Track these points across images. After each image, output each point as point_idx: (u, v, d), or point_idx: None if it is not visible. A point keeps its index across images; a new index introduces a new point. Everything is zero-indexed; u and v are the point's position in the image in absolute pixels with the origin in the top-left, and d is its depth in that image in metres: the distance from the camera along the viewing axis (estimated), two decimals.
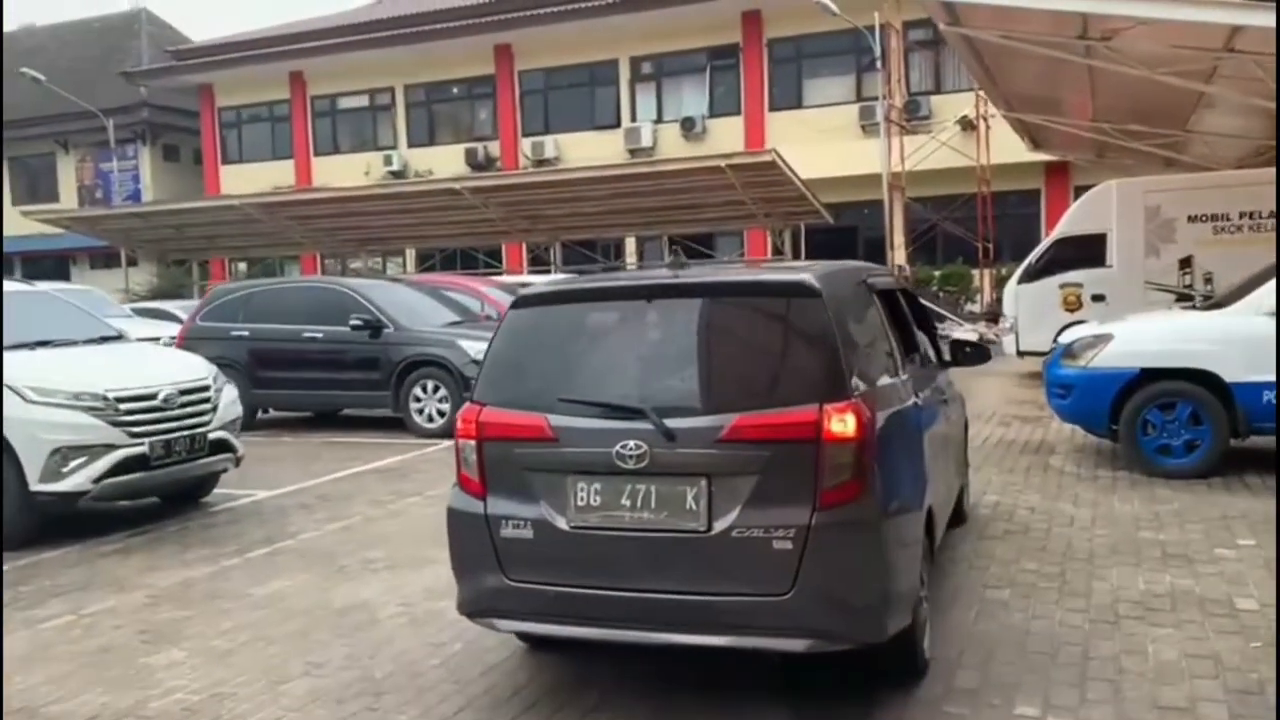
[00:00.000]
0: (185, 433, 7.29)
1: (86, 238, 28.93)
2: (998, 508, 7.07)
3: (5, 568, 6.41)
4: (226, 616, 5.34)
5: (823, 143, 24.95)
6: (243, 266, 31.27)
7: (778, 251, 24.39)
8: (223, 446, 7.64)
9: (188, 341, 12.62)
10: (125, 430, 6.93)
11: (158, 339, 13.56)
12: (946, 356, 6.16)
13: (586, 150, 27.12)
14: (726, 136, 26.36)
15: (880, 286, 4.89)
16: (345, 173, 29.11)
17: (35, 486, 6.66)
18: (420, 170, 29.24)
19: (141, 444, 7.00)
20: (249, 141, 32.42)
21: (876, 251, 24.76)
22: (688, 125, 27.36)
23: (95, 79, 32.91)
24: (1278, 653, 4.28)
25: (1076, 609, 4.99)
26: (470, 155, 29.19)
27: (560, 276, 8.92)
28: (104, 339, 7.99)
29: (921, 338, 5.74)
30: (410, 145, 30.40)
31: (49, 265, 34.40)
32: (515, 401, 3.99)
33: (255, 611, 5.41)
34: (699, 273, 4.10)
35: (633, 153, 27.14)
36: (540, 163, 28.27)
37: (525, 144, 28.99)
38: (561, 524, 3.83)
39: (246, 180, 30.03)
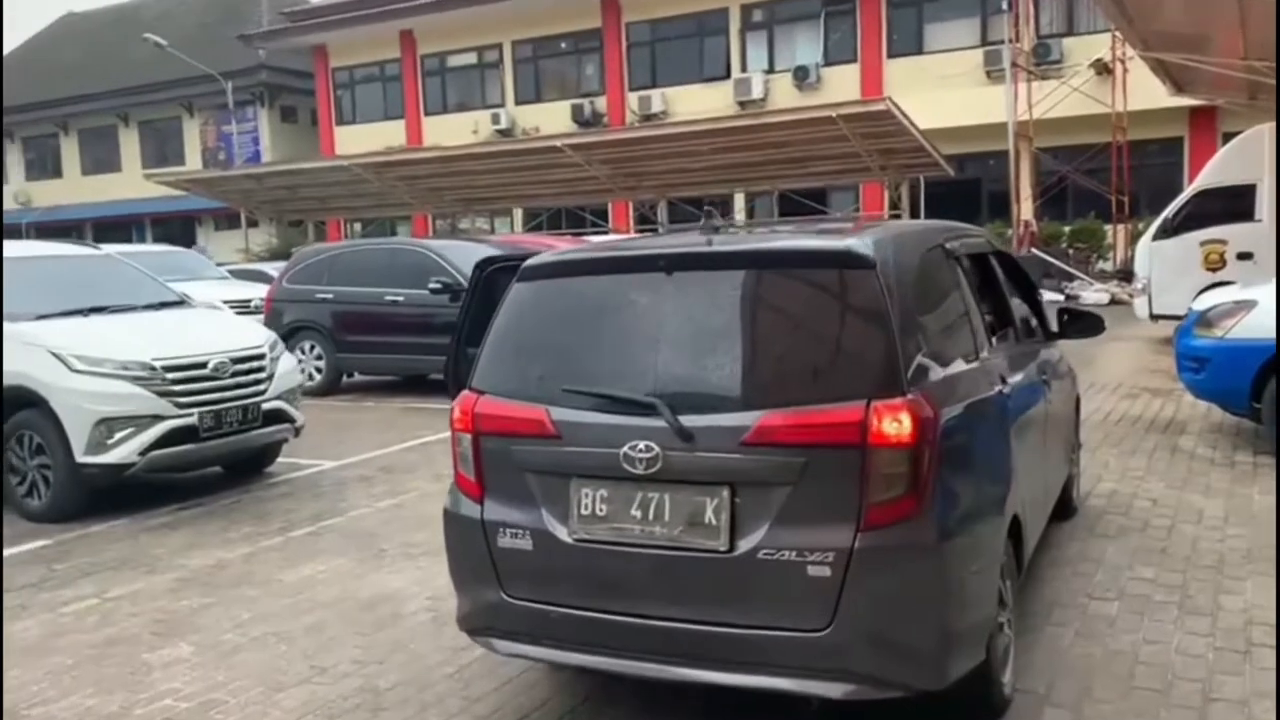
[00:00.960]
0: (237, 403, 7.01)
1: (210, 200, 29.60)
2: (1114, 498, 6.22)
3: (51, 540, 6.26)
4: (247, 605, 5.00)
5: (944, 90, 23.57)
6: (358, 227, 31.66)
7: (894, 206, 23.22)
8: (278, 417, 7.35)
9: (275, 304, 12.54)
10: (173, 401, 6.68)
11: (249, 302, 13.57)
12: (1053, 327, 5.36)
13: (694, 104, 26.31)
14: (842, 86, 25.17)
15: (966, 251, 4.15)
16: (455, 132, 29.00)
17: (81, 458, 6.47)
18: (527, 128, 28.92)
19: (190, 415, 6.74)
20: (362, 102, 32.62)
21: (1001, 206, 23.40)
22: (800, 75, 26.23)
23: (218, 42, 33.53)
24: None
25: (1199, 632, 4.21)
26: (576, 112, 28.70)
27: (602, 240, 8.29)
28: (164, 304, 7.77)
29: (1020, 308, 4.97)
30: (517, 103, 30.07)
31: (176, 226, 35.48)
32: (517, 390, 3.44)
33: (278, 600, 5.06)
34: (733, 239, 3.46)
35: (742, 105, 26.19)
36: (647, 118, 27.56)
37: (632, 99, 28.32)
38: (563, 535, 3.28)
39: (360, 141, 30.22)
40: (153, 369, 6.64)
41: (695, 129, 21.19)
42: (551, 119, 28.47)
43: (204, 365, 6.86)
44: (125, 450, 6.53)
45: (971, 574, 3.19)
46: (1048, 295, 21.38)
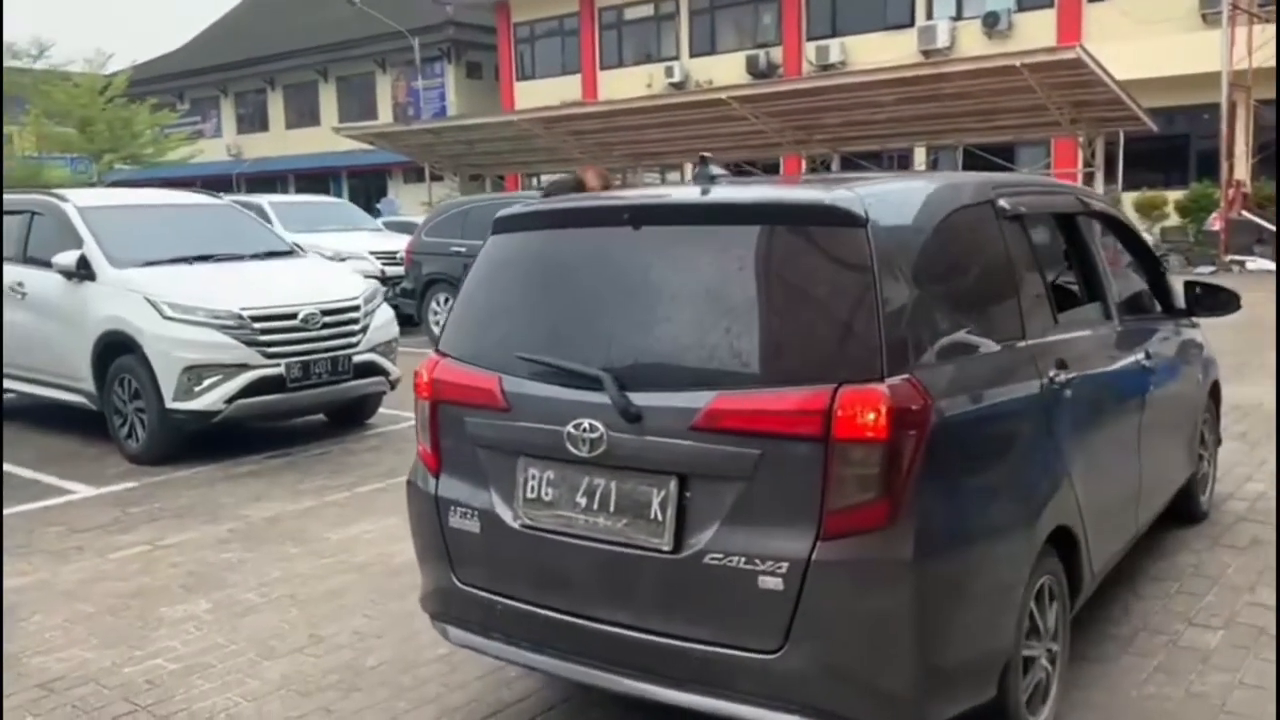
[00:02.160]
0: (326, 355, 7.00)
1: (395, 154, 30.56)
2: (1258, 503, 5.34)
3: (137, 483, 6.42)
4: (282, 563, 4.93)
5: (1151, 37, 21.46)
6: (537, 180, 32.02)
7: (1088, 164, 21.44)
8: (370, 370, 7.31)
9: (415, 256, 12.68)
10: (260, 350, 6.71)
11: (395, 254, 13.79)
12: (1180, 303, 4.58)
13: (875, 53, 25.03)
14: (1036, 33, 23.32)
15: (1035, 210, 3.50)
16: (629, 86, 28.77)
17: (170, 404, 6.60)
18: (700, 81, 28.35)
19: (277, 365, 6.77)
20: (540, 57, 32.84)
21: (1210, 164, 21.24)
22: (990, 21, 24.52)
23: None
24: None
25: None
26: (751, 63, 27.91)
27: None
28: (271, 254, 7.85)
29: (1129, 279, 4.24)
30: (692, 55, 29.51)
31: (370, 178, 36.92)
32: (475, 355, 3.11)
33: (314, 560, 4.96)
34: (720, 192, 2.98)
35: (926, 54, 24.72)
36: (824, 68, 26.46)
37: (809, 49, 27.27)
38: (509, 520, 2.94)
39: (538, 96, 30.44)
40: (241, 318, 6.69)
41: (867, 79, 20.12)
42: (726, 71, 27.80)
43: (293, 316, 6.87)
44: (211, 398, 6.62)
45: (969, 599, 2.64)
46: (1260, 264, 19.33)
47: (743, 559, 2.55)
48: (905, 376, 2.50)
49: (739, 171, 26.25)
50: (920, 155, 25.80)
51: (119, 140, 28.14)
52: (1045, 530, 2.94)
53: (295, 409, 7.29)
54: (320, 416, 7.87)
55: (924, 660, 2.52)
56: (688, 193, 3.01)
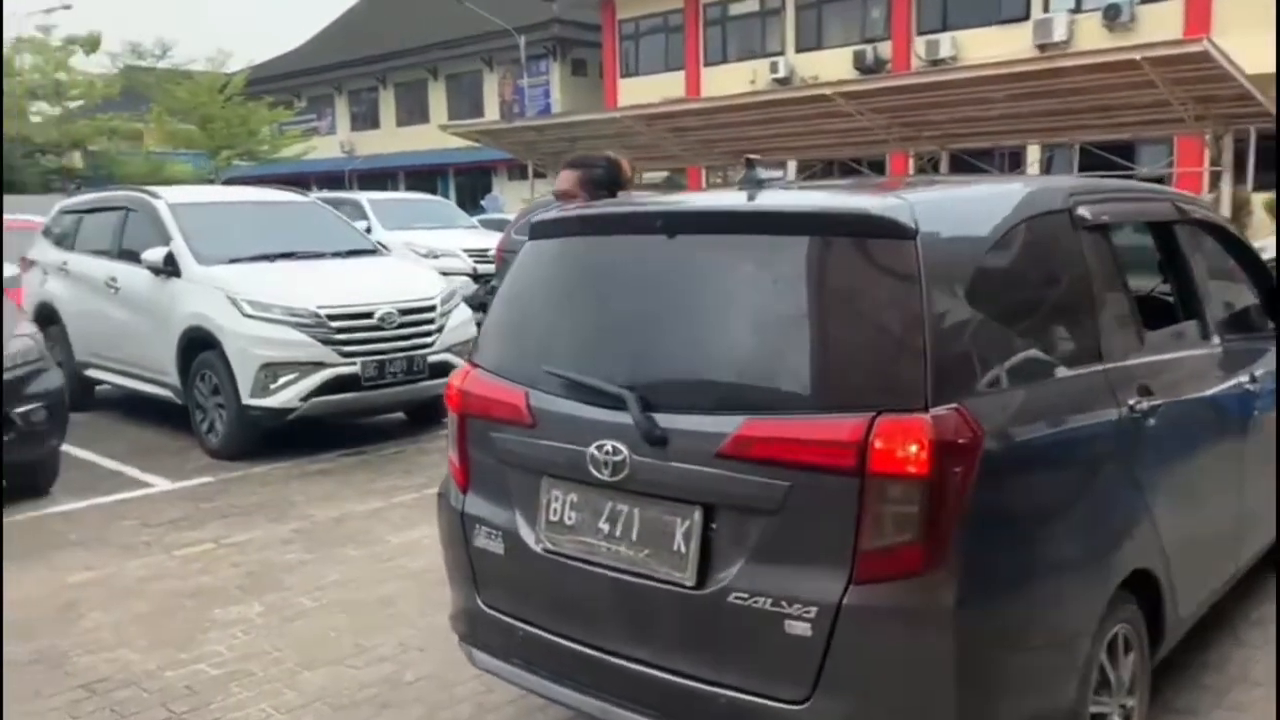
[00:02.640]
0: (402, 354, 6.98)
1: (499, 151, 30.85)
2: None
3: (213, 478, 6.50)
4: (340, 566, 4.89)
5: None
6: (651, 176, 31.92)
7: (1214, 162, 20.30)
8: (446, 369, 7.23)
9: (505, 254, 12.66)
10: (336, 349, 6.73)
11: (486, 251, 13.83)
12: None
13: (988, 48, 24.18)
14: (1160, 25, 22.21)
15: (1123, 218, 3.20)
16: (732, 82, 28.46)
17: (247, 400, 6.67)
18: (805, 77, 27.85)
19: (353, 364, 6.78)
20: (645, 53, 32.73)
21: None
22: (1112, 14, 23.44)
23: None
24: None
25: None
26: (859, 59, 27.29)
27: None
28: (353, 253, 7.89)
29: (1239, 295, 3.88)
30: (798, 50, 29.03)
31: (476, 175, 37.39)
32: (505, 367, 2.96)
33: (371, 565, 4.91)
34: (761, 198, 2.76)
35: (1042, 48, 23.79)
36: (934, 63, 25.70)
37: (919, 43, 26.53)
38: (532, 543, 2.79)
39: (641, 93, 30.33)
40: (318, 316, 6.71)
41: (978, 74, 19.42)
42: (832, 66, 27.23)
43: (369, 315, 6.87)
44: (287, 395, 6.66)
45: (1023, 651, 2.38)
46: None
47: (769, 600, 2.34)
48: (954, 406, 2.26)
49: (846, 171, 25.82)
50: (1034, 153, 24.86)
51: (236, 137, 29.07)
52: (1119, 574, 2.66)
53: (370, 408, 7.30)
54: (399, 414, 7.87)
55: (963, 717, 2.27)
56: (726, 199, 2.82)
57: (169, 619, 4.31)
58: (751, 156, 2.93)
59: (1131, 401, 2.80)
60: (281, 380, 6.64)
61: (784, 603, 2.32)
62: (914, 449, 2.21)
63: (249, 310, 6.68)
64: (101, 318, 7.88)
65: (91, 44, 25.82)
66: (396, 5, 40.66)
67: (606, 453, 2.56)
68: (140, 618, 4.34)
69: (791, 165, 28.48)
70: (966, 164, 23.70)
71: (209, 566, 4.94)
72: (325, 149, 39.50)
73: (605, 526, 2.63)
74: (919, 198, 2.52)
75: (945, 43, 25.84)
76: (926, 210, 2.43)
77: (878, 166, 26.17)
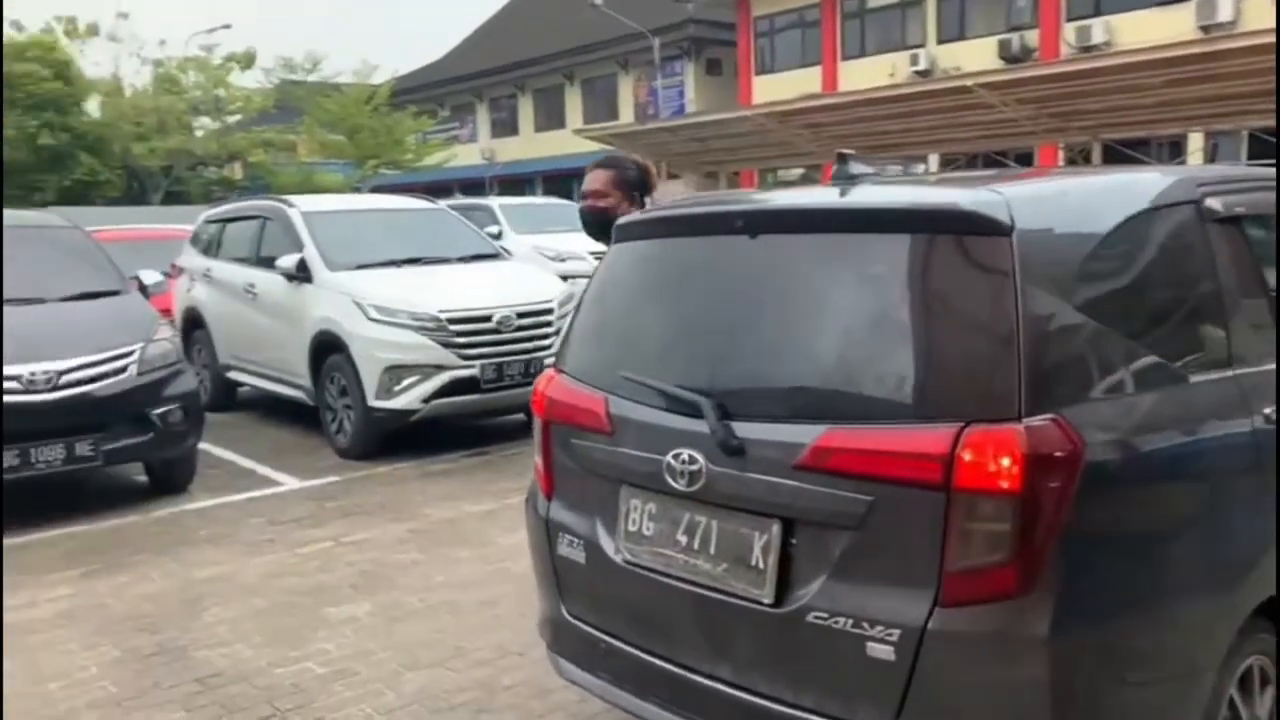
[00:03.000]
0: (520, 357, 7.05)
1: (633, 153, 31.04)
2: None
3: (340, 478, 6.69)
4: (449, 567, 4.95)
5: None
6: (787, 174, 31.62)
7: None
8: None
9: None
10: (456, 352, 6.84)
11: (602, 254, 13.83)
12: None
13: (1145, 31, 22.91)
14: None
15: (1251, 210, 2.89)
16: (871, 76, 27.82)
17: (371, 402, 6.83)
18: (947, 68, 27.03)
19: (473, 366, 6.87)
20: (780, 50, 32.39)
21: None
22: None
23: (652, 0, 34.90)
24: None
25: None
26: (1004, 48, 26.30)
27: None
28: (476, 257, 8.00)
29: None
30: (939, 41, 28.17)
31: None
32: (587, 372, 2.91)
33: (478, 566, 4.95)
34: (850, 195, 2.61)
35: (1205, 30, 22.42)
36: (1086, 49, 24.55)
37: (1069, 30, 25.38)
38: (611, 553, 2.72)
39: (776, 90, 30.03)
40: (439, 320, 6.83)
41: (1130, 59, 18.44)
42: (975, 57, 26.33)
43: (488, 319, 6.95)
44: (409, 397, 6.80)
45: (1131, 686, 2.18)
46: None
47: (850, 620, 2.21)
48: (1051, 416, 2.08)
49: (990, 164, 24.96)
50: (1195, 141, 23.47)
51: (381, 146, 30.11)
52: (1252, 602, 2.40)
53: (489, 410, 7.39)
54: (519, 416, 7.94)
55: None
56: (812, 196, 2.68)
57: (284, 616, 4.43)
58: (844, 151, 2.78)
59: (1267, 411, 2.53)
60: (404, 383, 6.79)
61: (865, 624, 2.18)
62: (1005, 462, 2.04)
63: (374, 315, 6.85)
64: (241, 322, 8.23)
65: (247, 60, 27.21)
66: (534, 12, 41.42)
67: (683, 462, 2.47)
68: (258, 614, 4.47)
69: (933, 159, 27.72)
70: (1121, 154, 22.55)
71: (326, 565, 5.06)
72: (467, 156, 40.52)
73: (683, 538, 2.53)
74: (1018, 191, 2.34)
75: (1098, 28, 24.65)
76: (1024, 204, 2.25)
77: (1026, 159, 25.22)
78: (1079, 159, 23.81)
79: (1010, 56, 26.11)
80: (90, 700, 3.70)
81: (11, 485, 5.59)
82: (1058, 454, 2.06)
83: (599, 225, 3.97)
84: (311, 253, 7.41)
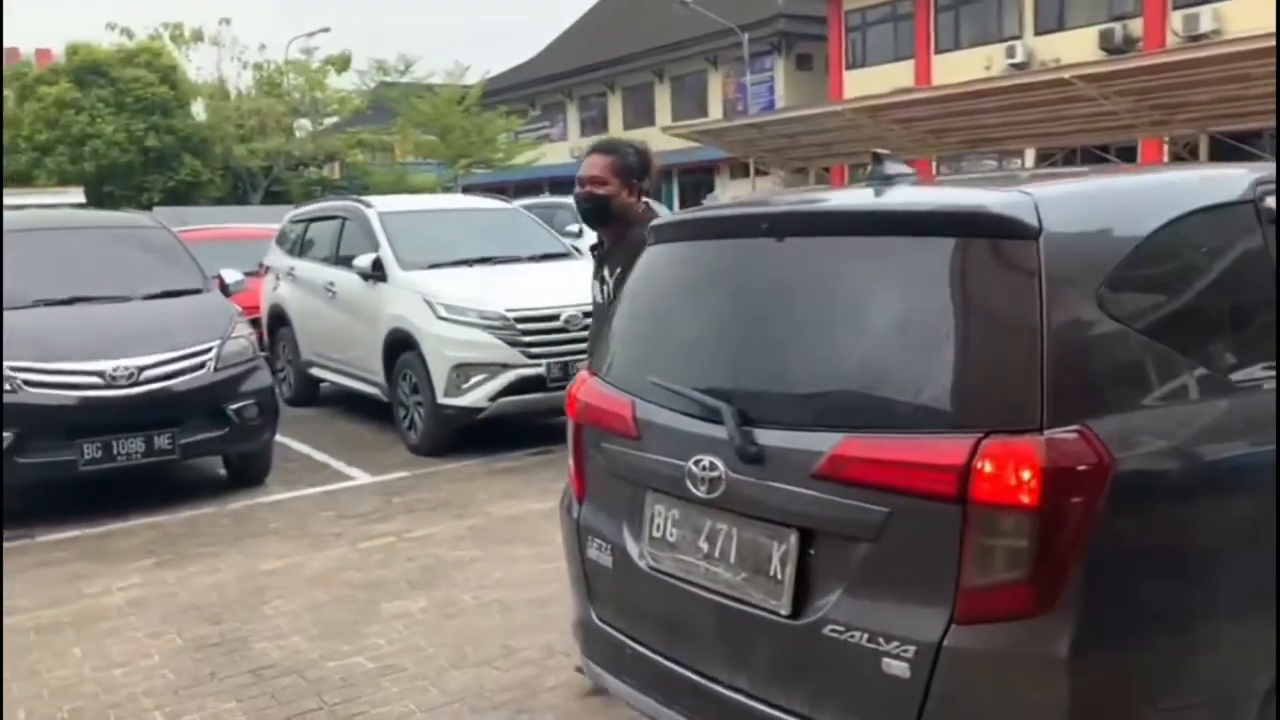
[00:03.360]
0: (585, 355, 7.04)
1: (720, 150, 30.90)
2: None
3: (408, 473, 6.80)
4: (505, 565, 4.99)
5: None
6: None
7: None
8: None
9: None
10: (523, 350, 6.89)
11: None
12: None
13: (1255, 19, 21.94)
14: None
15: None
16: (965, 69, 27.21)
17: (440, 399, 6.93)
18: (1045, 60, 26.24)
19: (539, 365, 6.91)
20: (872, 44, 31.89)
21: None
22: None
23: None
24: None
25: None
26: (1105, 38, 25.44)
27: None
28: (547, 257, 8.05)
29: None
30: (1037, 33, 27.39)
31: (698, 175, 37.59)
32: (619, 375, 2.89)
33: (534, 565, 4.96)
34: (880, 196, 2.53)
35: None
36: (1194, 39, 23.61)
37: (1175, 18, 24.42)
38: (636, 557, 2.69)
39: (867, 84, 29.59)
40: (505, 319, 6.89)
41: (1238, 49, 17.67)
42: (1075, 48, 25.53)
43: (555, 317, 6.98)
44: (476, 395, 6.88)
45: (1161, 712, 2.07)
46: None
47: (866, 635, 2.14)
48: (1077, 427, 1.98)
49: (1090, 159, 24.16)
50: None
51: (472, 146, 30.55)
52: None
53: (555, 408, 7.38)
54: None
55: None
56: (840, 198, 2.62)
57: (341, 610, 4.51)
58: (879, 151, 2.71)
59: None
60: (472, 380, 6.87)
61: (881, 639, 2.12)
62: (1024, 475, 1.95)
63: (443, 313, 6.94)
64: (322, 320, 8.44)
65: (342, 63, 27.89)
66: (625, 10, 41.56)
67: (704, 468, 2.43)
68: (316, 607, 4.57)
69: (1030, 154, 26.98)
70: (1230, 148, 21.65)
71: (387, 560, 5.15)
72: (557, 155, 40.88)
73: (705, 545, 2.49)
74: (1050, 191, 2.25)
75: (1206, 16, 23.67)
76: (1055, 205, 2.16)
77: (1128, 154, 24.38)
78: (1184, 154, 22.94)
79: (1112, 47, 25.26)
80: (149, 688, 3.82)
81: (95, 476, 5.83)
82: (1081, 467, 1.96)
83: (597, 213, 3.78)
84: (386, 252, 7.55)
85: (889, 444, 2.13)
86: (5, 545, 5.34)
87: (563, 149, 42.10)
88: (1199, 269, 2.35)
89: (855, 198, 2.55)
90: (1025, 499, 1.96)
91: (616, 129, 41.06)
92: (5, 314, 5.83)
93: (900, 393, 2.19)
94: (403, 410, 7.38)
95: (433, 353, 6.93)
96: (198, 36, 26.75)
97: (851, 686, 2.20)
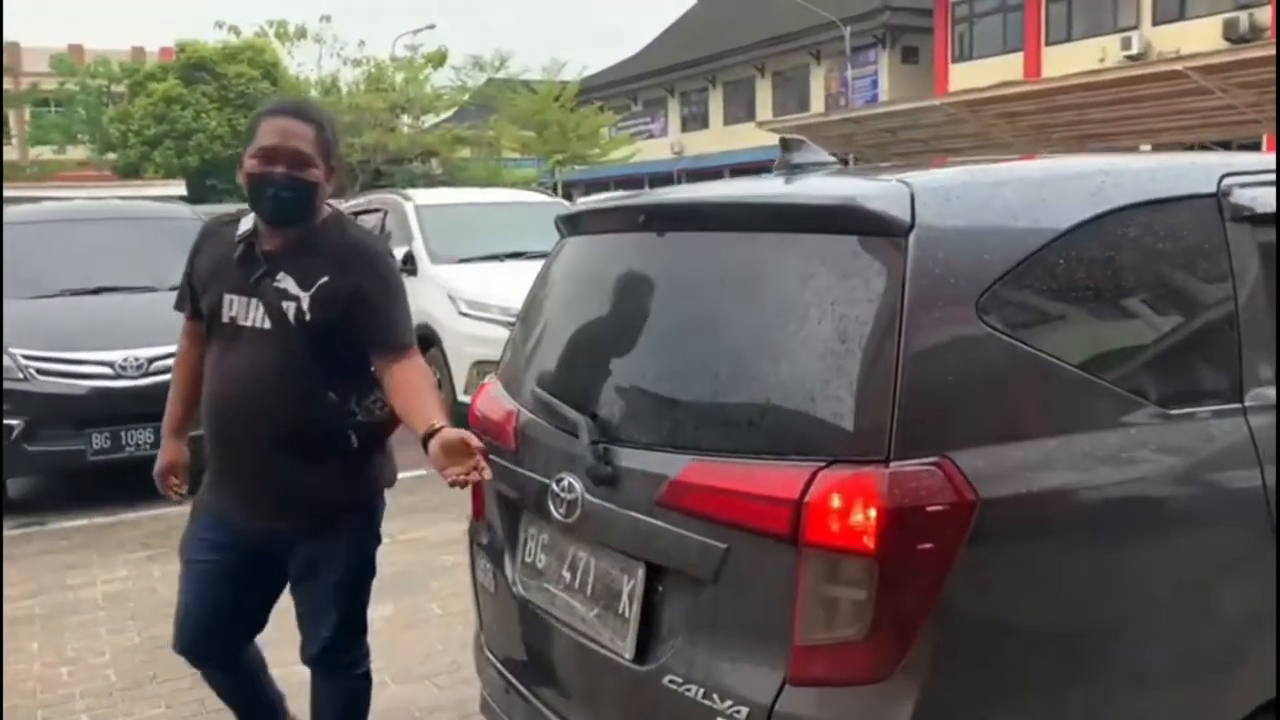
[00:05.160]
0: None
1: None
2: None
3: (425, 473, 6.61)
4: None
5: None
6: None
7: None
8: None
9: None
10: None
11: None
12: None
13: None
14: None
15: None
16: (1078, 61, 25.99)
17: (460, 397, 6.78)
18: (1164, 52, 24.90)
19: None
20: (980, 36, 30.80)
21: None
22: None
23: None
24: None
25: None
26: (1229, 28, 23.99)
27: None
28: None
29: None
30: (1155, 23, 26.01)
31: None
32: (510, 382, 2.66)
33: None
34: (762, 186, 2.23)
35: None
36: None
37: None
38: (509, 582, 2.46)
39: (975, 77, 28.58)
40: None
41: None
42: (1196, 39, 24.16)
43: None
44: None
45: None
46: None
47: (701, 690, 1.86)
48: (934, 459, 1.67)
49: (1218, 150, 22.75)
50: None
51: (566, 142, 30.57)
52: (1237, 708, 1.88)
53: None
54: None
55: None
56: (725, 189, 2.32)
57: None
58: (789, 138, 2.40)
59: None
60: (490, 379, 6.68)
61: (716, 696, 1.83)
62: (862, 513, 1.65)
63: (465, 309, 6.81)
64: None
65: (439, 59, 28.20)
66: (728, 5, 41.13)
67: (564, 489, 2.17)
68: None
69: (1145, 150, 25.63)
70: None
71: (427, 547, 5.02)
72: (658, 151, 40.72)
73: (567, 575, 2.24)
74: (935, 180, 1.92)
75: None
76: (936, 197, 1.83)
77: (1252, 149, 22.94)
78: None
79: (1237, 37, 23.80)
80: (88, 688, 3.74)
81: (104, 466, 5.86)
82: (934, 507, 1.64)
83: (297, 207, 2.48)
84: (418, 245, 7.46)
85: (729, 471, 1.84)
86: (17, 532, 5.40)
87: (663, 145, 41.97)
88: (1128, 276, 1.97)
89: (736, 189, 2.27)
90: (863, 541, 1.65)
91: (717, 125, 40.77)
92: (29, 303, 5.90)
93: (751, 413, 1.90)
94: None
95: (453, 349, 6.81)
96: (301, 33, 27.41)
97: None
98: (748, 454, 1.85)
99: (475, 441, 2.22)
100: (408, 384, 2.51)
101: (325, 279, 2.48)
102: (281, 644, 3.27)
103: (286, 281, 2.51)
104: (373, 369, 2.59)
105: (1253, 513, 1.93)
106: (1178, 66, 19.01)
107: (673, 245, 2.19)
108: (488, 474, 2.20)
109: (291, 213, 2.50)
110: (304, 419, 2.51)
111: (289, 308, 2.49)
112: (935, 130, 25.37)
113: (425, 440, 2.31)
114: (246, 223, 2.59)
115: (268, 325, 2.50)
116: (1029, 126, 23.65)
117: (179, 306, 2.85)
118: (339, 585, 2.76)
